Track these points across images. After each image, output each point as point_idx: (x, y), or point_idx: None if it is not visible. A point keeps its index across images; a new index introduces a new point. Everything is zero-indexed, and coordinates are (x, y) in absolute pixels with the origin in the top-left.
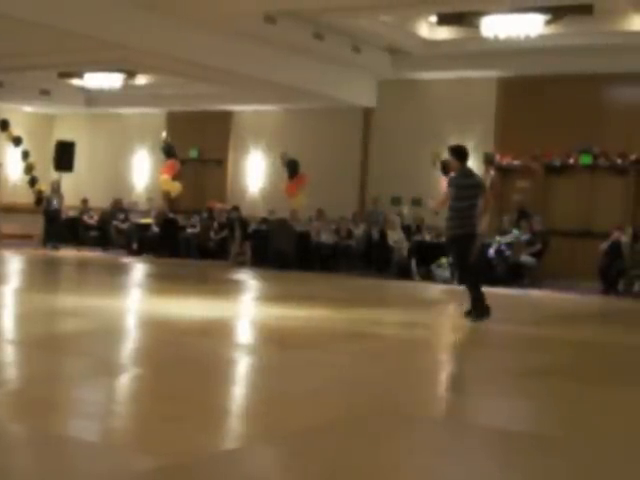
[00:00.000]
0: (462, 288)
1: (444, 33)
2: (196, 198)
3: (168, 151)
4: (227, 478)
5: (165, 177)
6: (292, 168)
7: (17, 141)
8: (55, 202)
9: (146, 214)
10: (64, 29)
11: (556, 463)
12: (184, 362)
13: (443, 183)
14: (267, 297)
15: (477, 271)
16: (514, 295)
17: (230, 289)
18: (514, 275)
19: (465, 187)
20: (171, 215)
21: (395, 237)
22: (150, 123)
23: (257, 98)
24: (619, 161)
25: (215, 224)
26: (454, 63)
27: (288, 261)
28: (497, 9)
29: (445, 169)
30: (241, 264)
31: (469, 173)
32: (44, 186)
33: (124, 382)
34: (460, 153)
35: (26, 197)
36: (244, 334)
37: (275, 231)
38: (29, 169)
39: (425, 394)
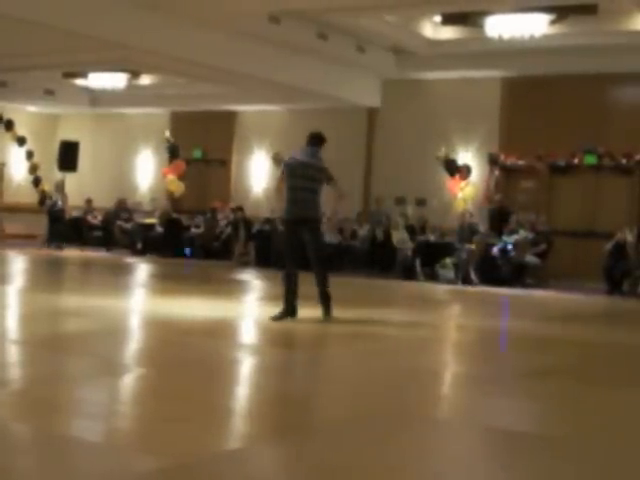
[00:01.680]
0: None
1: (448, 33)
2: (200, 198)
3: (173, 151)
4: (230, 478)
5: (172, 177)
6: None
7: (21, 141)
8: (59, 202)
9: (150, 214)
10: (67, 29)
11: (561, 464)
12: (187, 362)
13: (449, 182)
14: (271, 297)
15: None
16: (518, 295)
17: (233, 289)
18: (518, 275)
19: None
20: (175, 215)
21: (399, 237)
22: (154, 123)
23: (261, 98)
24: (624, 161)
25: (223, 223)
26: (458, 63)
27: None
28: (501, 9)
29: (450, 168)
30: (245, 264)
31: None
32: (48, 186)
33: (127, 382)
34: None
35: (30, 197)
36: (247, 334)
37: (279, 231)
38: (33, 169)
39: (430, 394)
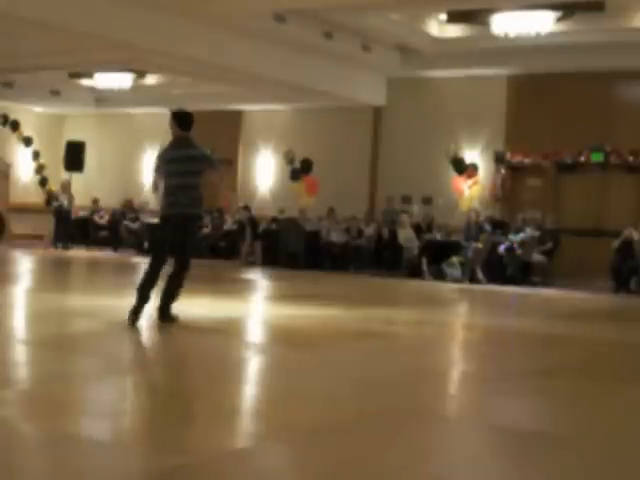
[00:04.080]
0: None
1: (454, 31)
2: (206, 198)
3: None
4: (239, 476)
5: None
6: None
7: (27, 141)
8: (65, 202)
9: (156, 214)
10: (73, 29)
11: (571, 463)
12: (195, 361)
13: (455, 181)
14: (277, 296)
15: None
16: (525, 294)
17: (240, 288)
18: (525, 274)
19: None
20: None
21: (405, 236)
22: (160, 123)
23: (267, 97)
24: (631, 159)
25: (231, 220)
26: (464, 61)
27: (298, 260)
28: (507, 6)
29: (459, 166)
30: (251, 264)
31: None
32: (54, 186)
33: (135, 381)
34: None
35: (36, 197)
36: (255, 333)
37: (285, 230)
38: (39, 169)
39: (438, 393)
